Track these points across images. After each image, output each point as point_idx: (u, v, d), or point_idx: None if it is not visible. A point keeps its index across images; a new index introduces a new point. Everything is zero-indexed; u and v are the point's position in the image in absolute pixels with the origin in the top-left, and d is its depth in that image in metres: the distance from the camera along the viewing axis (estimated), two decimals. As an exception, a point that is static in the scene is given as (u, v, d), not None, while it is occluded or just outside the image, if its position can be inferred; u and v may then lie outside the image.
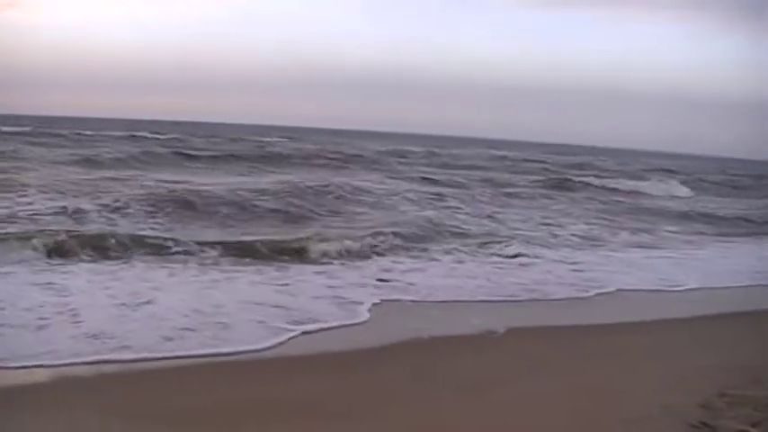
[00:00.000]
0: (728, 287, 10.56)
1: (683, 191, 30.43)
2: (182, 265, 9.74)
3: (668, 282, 10.61)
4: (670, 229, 17.45)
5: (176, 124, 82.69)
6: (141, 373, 5.79)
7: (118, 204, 14.20)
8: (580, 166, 42.98)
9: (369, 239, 12.21)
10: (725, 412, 4.74)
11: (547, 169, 37.85)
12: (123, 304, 7.59)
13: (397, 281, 9.74)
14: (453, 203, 19.45)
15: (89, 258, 9.78)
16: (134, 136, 43.14)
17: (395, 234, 13.00)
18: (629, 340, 7.40)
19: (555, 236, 14.95)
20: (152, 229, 12.53)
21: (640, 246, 14.41)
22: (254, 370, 6.13)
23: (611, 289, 9.85)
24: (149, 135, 45.22)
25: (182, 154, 30.28)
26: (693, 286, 10.37)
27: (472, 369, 6.22)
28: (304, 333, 7.08)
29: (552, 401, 5.34)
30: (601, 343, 7.26)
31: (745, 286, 10.70)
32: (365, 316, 7.87)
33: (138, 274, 9.08)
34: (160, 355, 6.17)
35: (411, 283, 9.61)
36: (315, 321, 7.46)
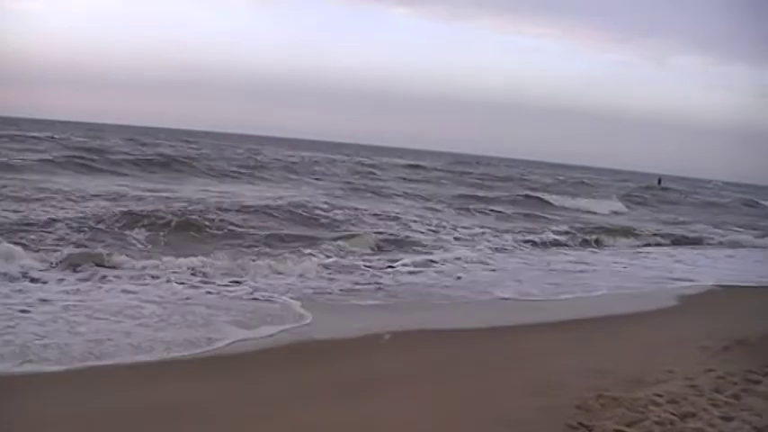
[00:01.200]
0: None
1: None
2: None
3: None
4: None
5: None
6: None
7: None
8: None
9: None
10: (601, 413, 4.74)
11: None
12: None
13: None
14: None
15: None
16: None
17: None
18: (506, 344, 7.39)
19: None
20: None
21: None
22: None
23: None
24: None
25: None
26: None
27: (354, 374, 5.99)
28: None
29: (429, 405, 5.18)
30: (478, 347, 7.20)
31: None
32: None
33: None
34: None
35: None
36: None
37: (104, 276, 8.93)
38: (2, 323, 6.59)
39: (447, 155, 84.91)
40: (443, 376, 6.01)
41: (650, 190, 48.01)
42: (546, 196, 30.52)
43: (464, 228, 17.63)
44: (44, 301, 7.58)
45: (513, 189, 34.60)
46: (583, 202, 30.25)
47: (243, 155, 42.58)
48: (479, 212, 22.46)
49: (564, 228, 18.82)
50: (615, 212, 28.99)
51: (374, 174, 37.67)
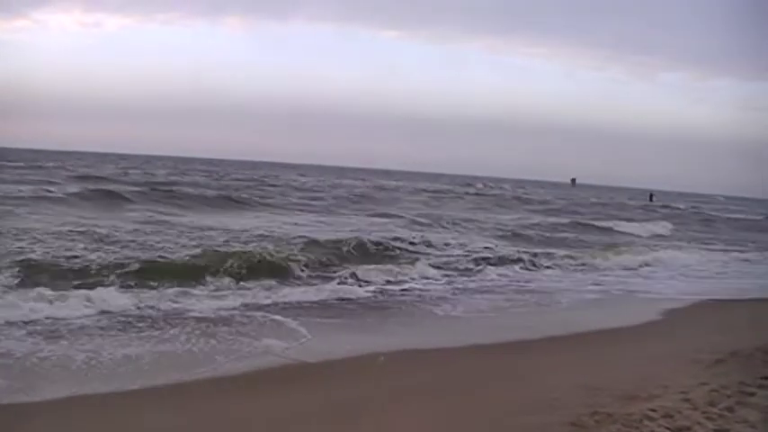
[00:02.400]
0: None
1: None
2: None
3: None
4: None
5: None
6: None
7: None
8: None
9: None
10: (596, 430, 4.71)
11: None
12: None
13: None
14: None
15: None
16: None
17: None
18: (500, 361, 7.37)
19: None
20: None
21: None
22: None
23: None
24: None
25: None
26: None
27: (344, 396, 5.95)
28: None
29: (422, 426, 5.14)
30: (468, 365, 7.17)
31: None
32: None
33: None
34: None
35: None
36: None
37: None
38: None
39: (445, 176, 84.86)
40: (434, 396, 5.97)
41: (676, 209, 47.47)
42: (594, 222, 29.36)
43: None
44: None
45: (559, 215, 34.01)
46: (630, 226, 28.68)
47: (305, 184, 43.97)
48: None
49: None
50: (658, 235, 27.17)
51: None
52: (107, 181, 33.21)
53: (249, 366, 6.78)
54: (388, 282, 12.20)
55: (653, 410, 5.01)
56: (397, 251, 15.55)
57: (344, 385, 6.34)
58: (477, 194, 51.88)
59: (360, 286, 11.61)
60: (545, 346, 8.16)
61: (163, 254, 12.71)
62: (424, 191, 49.78)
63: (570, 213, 35.87)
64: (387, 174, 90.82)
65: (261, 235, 16.58)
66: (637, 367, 6.87)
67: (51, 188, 25.21)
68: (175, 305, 9.24)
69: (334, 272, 12.68)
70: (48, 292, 8.96)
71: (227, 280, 11.02)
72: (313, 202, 30.11)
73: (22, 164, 44.30)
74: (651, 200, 60.62)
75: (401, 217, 25.13)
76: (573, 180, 64.44)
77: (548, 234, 22.81)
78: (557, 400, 5.53)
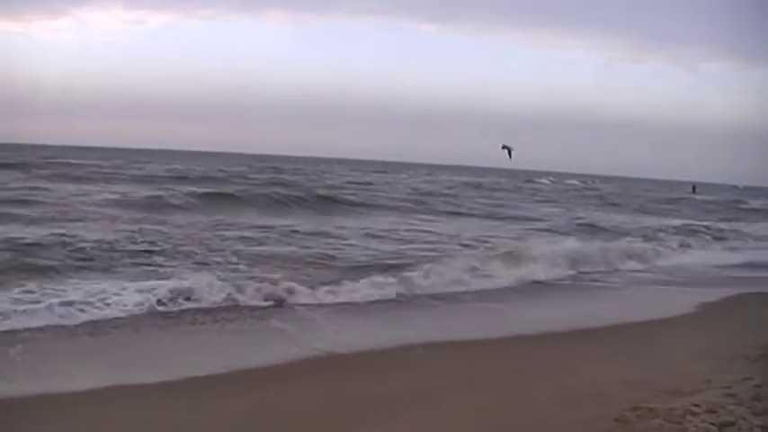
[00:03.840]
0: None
1: None
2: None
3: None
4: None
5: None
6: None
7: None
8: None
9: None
10: (638, 425, 4.69)
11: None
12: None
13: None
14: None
15: None
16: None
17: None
18: (541, 354, 7.35)
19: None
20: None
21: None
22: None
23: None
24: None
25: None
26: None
27: (383, 388, 5.98)
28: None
29: (467, 419, 5.15)
30: (508, 358, 7.19)
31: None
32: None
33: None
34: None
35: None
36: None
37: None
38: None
39: (491, 170, 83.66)
40: (473, 390, 5.97)
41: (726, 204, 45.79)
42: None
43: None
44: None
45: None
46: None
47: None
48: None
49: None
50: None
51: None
52: (228, 183, 31.46)
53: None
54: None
55: (696, 405, 4.96)
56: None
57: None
58: (575, 191, 50.74)
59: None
60: (580, 339, 8.13)
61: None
62: (501, 188, 47.90)
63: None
64: (437, 168, 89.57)
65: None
66: (676, 361, 6.84)
67: (171, 192, 23.95)
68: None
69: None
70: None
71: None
72: (421, 205, 28.38)
73: (100, 162, 43.45)
74: (694, 192, 59.16)
75: (541, 220, 24.83)
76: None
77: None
78: (598, 394, 5.52)
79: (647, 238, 18.67)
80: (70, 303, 8.13)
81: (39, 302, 8.07)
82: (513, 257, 13.07)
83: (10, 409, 5.26)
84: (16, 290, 8.51)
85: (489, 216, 25.98)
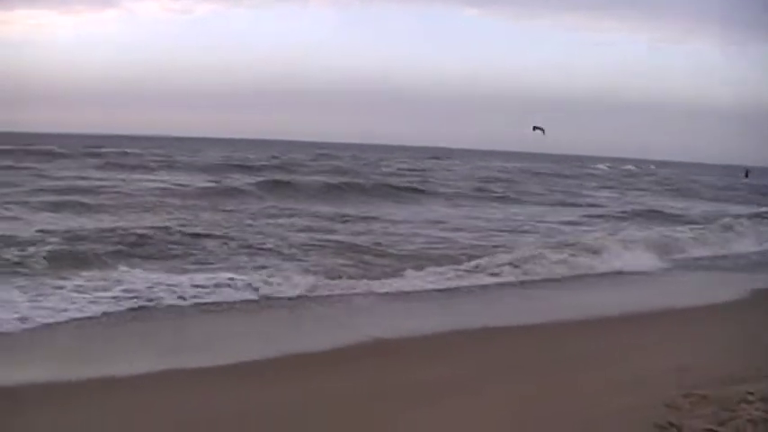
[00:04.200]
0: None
1: None
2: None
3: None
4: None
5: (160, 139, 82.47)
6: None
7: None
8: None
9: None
10: (690, 412, 4.70)
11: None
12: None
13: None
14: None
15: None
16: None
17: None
18: (589, 340, 7.34)
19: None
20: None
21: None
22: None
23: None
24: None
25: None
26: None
27: (427, 375, 6.04)
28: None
29: (511, 406, 5.18)
30: (555, 343, 7.16)
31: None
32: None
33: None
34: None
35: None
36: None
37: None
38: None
39: (544, 156, 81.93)
40: (522, 376, 6.01)
41: None
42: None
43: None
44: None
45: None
46: None
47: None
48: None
49: None
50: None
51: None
52: (284, 171, 32.33)
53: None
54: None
55: (750, 393, 4.87)
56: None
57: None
58: (632, 176, 49.78)
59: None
60: (628, 324, 8.07)
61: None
62: (559, 174, 46.91)
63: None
64: (486, 154, 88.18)
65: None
66: (728, 347, 6.73)
67: (233, 180, 24.95)
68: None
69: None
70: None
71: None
72: (482, 192, 28.28)
73: (160, 152, 44.66)
74: (747, 176, 56.70)
75: (604, 206, 24.68)
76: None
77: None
78: (647, 380, 5.48)
79: (719, 225, 17.82)
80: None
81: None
82: (583, 248, 12.93)
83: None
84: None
85: (554, 203, 25.73)
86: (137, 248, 11.54)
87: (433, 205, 22.53)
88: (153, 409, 5.18)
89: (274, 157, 45.06)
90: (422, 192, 25.75)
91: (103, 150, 42.47)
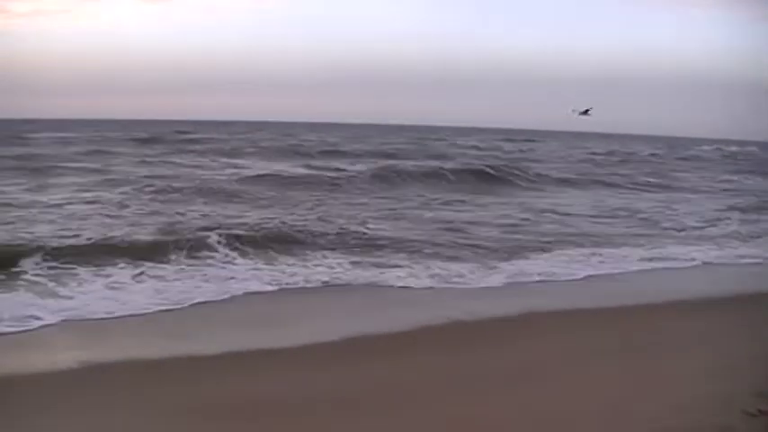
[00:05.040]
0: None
1: None
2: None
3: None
4: None
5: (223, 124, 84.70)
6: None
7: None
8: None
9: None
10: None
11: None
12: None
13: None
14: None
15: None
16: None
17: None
18: (676, 324, 7.20)
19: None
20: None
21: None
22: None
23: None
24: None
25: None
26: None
27: (508, 358, 6.11)
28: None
29: (597, 389, 5.19)
30: (641, 328, 7.05)
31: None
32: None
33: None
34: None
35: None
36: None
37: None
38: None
39: (638, 138, 77.96)
40: (610, 360, 5.97)
41: None
42: None
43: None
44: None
45: None
46: None
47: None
48: None
49: None
50: None
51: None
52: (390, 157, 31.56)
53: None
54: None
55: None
56: None
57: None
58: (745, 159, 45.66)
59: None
60: (709, 308, 7.90)
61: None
62: (666, 157, 44.14)
63: None
64: (578, 136, 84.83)
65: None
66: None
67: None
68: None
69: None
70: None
71: None
72: (594, 177, 26.74)
73: (250, 136, 45.41)
74: None
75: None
76: None
77: None
78: (734, 367, 5.39)
79: None
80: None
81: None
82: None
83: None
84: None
85: (691, 190, 24.26)
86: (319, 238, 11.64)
87: (549, 192, 21.63)
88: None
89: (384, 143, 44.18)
90: (533, 179, 24.41)
91: (196, 137, 43.58)
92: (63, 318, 6.99)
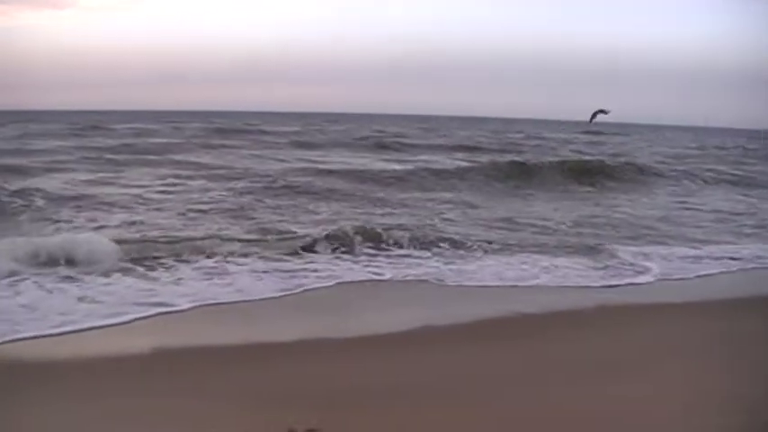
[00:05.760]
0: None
1: None
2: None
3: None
4: None
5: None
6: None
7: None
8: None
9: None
10: None
11: None
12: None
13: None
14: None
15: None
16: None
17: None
18: (754, 319, 6.77)
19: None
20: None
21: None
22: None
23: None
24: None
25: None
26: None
27: (587, 352, 5.80)
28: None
29: (671, 387, 4.92)
30: (718, 322, 6.72)
31: None
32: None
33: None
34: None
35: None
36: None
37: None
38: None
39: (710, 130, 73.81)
40: (680, 357, 5.63)
41: None
42: None
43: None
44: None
45: None
46: None
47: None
48: None
49: None
50: None
51: None
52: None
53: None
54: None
55: None
56: None
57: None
58: None
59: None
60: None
61: None
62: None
63: None
64: (637, 128, 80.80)
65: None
66: None
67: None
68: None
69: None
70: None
71: None
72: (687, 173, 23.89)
73: (338, 128, 45.58)
74: None
75: None
76: None
77: None
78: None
79: None
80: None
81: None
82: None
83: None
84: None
85: None
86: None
87: (647, 190, 19.75)
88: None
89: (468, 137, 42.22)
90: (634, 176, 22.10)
91: (255, 128, 42.46)
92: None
